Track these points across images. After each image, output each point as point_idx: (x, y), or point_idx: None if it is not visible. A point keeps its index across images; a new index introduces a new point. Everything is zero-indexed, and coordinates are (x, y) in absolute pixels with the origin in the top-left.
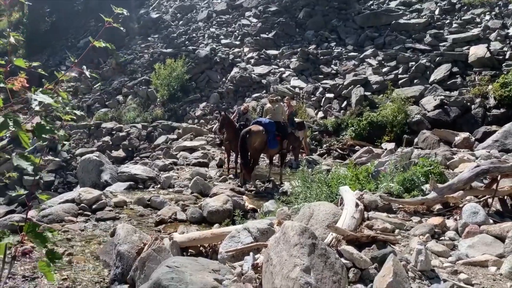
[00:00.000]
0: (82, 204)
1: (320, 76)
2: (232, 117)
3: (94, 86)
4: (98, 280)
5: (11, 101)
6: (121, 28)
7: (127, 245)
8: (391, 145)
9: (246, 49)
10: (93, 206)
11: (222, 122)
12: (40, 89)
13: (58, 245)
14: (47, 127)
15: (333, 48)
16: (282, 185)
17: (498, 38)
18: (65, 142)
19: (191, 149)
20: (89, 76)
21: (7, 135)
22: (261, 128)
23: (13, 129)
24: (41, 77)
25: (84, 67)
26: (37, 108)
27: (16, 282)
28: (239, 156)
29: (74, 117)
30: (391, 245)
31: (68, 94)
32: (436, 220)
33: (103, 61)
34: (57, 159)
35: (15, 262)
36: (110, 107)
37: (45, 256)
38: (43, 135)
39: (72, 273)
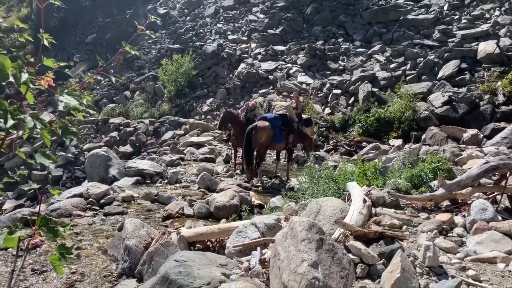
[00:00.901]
0: (90, 199)
1: (327, 72)
2: (239, 111)
3: (101, 82)
4: (106, 274)
5: (20, 93)
6: (153, 36)
7: (135, 239)
8: (399, 142)
9: (253, 45)
10: (101, 201)
11: (222, 119)
12: (66, 90)
13: (66, 239)
14: (72, 129)
15: (341, 44)
16: (289, 181)
17: (508, 34)
18: (72, 138)
19: (198, 145)
20: (114, 82)
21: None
22: (267, 123)
23: (39, 130)
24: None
25: (112, 71)
26: (61, 108)
27: (26, 275)
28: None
29: (88, 115)
30: (399, 241)
31: (91, 96)
32: (444, 217)
33: (110, 57)
34: (66, 154)
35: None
36: (118, 102)
37: (57, 250)
38: (65, 137)
39: (81, 267)
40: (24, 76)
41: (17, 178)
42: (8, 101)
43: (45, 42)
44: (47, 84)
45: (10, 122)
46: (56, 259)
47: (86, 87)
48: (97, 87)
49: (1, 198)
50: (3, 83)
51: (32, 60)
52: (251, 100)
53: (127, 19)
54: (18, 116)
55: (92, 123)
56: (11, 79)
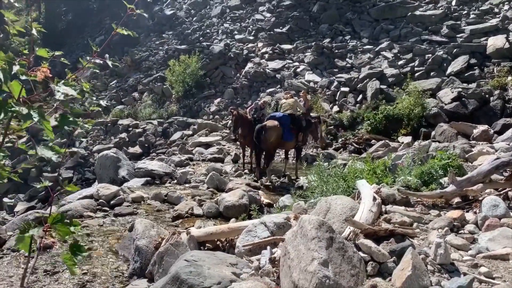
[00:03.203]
0: (101, 200)
1: (335, 70)
2: (249, 109)
3: (110, 84)
4: (117, 275)
5: (34, 92)
6: (145, 15)
7: (145, 239)
8: (408, 139)
9: (260, 44)
10: (111, 202)
11: (235, 123)
12: (63, 81)
13: (77, 240)
14: (70, 119)
15: (348, 42)
16: (298, 179)
17: None
18: (82, 139)
19: (207, 145)
20: (111, 65)
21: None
22: (276, 123)
23: (37, 120)
24: (60, 69)
25: (107, 55)
26: (61, 98)
27: (38, 276)
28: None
29: (100, 109)
30: (410, 239)
31: (89, 84)
32: (455, 214)
33: (118, 58)
34: (79, 150)
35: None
36: (126, 104)
37: (69, 249)
38: (67, 127)
39: (92, 268)
40: (15, 68)
41: (36, 163)
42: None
43: (34, 31)
44: (43, 75)
45: (2, 114)
46: (69, 258)
47: (83, 72)
48: (102, 91)
49: (13, 200)
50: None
51: (26, 51)
52: (258, 99)
53: (134, 20)
54: (13, 108)
55: (101, 124)
56: (0, 75)
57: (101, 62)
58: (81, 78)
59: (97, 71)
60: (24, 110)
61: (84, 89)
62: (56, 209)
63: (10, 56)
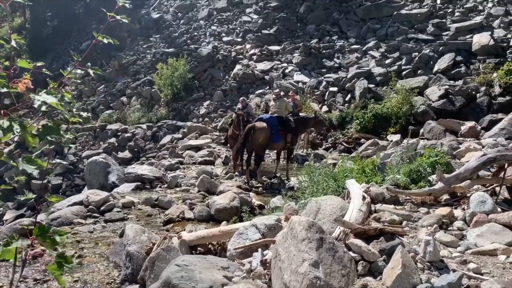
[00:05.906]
0: (91, 206)
1: (323, 70)
2: (241, 118)
3: (98, 88)
4: (108, 281)
5: (15, 104)
6: (125, 21)
7: (136, 245)
8: (397, 137)
9: (248, 46)
10: (101, 208)
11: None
12: (44, 90)
13: (68, 247)
14: (54, 128)
15: (335, 42)
16: (288, 180)
17: (502, 25)
18: (71, 145)
19: (197, 148)
20: (92, 75)
21: (14, 139)
22: (264, 124)
23: (19, 132)
24: (46, 80)
25: (89, 64)
26: (42, 108)
27: (28, 285)
28: (245, 153)
29: (80, 120)
30: (399, 237)
31: (72, 95)
32: (443, 211)
33: (105, 63)
34: (64, 162)
35: (26, 265)
36: (115, 108)
37: (55, 260)
38: (49, 137)
39: (83, 275)
40: None
41: (15, 185)
42: None
43: (13, 43)
44: (25, 87)
45: None
46: (55, 269)
47: (66, 84)
48: (90, 96)
49: (1, 209)
50: None
51: (7, 63)
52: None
53: (120, 24)
54: None
55: (90, 130)
56: None
57: (83, 71)
58: (69, 85)
59: (79, 81)
60: (5, 123)
61: (66, 98)
62: (45, 216)
63: None
